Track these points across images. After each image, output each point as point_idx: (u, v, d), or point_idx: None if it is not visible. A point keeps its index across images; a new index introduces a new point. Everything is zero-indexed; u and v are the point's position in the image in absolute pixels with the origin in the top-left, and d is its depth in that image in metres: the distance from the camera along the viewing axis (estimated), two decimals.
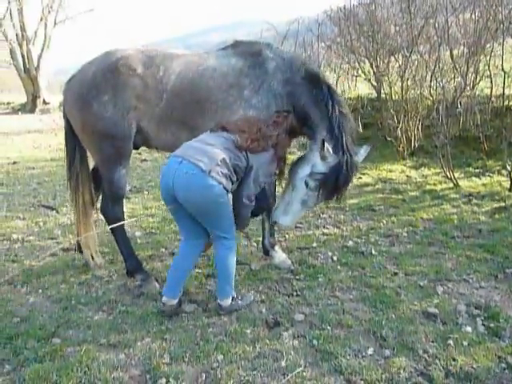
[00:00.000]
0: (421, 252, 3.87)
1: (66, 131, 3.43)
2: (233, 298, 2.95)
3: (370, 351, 2.54)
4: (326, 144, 3.04)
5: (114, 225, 3.03)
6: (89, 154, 3.46)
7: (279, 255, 3.65)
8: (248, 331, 2.72)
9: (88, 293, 3.27)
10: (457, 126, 6.87)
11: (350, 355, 2.49)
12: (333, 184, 3.13)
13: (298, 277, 3.44)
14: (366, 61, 8.33)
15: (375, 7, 8.10)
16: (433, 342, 2.61)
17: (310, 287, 3.26)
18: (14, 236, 4.46)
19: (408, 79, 7.07)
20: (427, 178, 6.24)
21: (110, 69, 3.11)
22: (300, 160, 3.31)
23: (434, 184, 5.89)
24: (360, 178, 6.39)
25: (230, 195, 2.86)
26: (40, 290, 3.32)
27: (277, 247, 3.68)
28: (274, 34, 9.64)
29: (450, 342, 2.59)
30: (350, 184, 3.31)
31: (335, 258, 3.76)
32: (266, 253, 3.67)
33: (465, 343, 2.57)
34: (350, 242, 4.09)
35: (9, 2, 15.58)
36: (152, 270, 3.59)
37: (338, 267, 3.60)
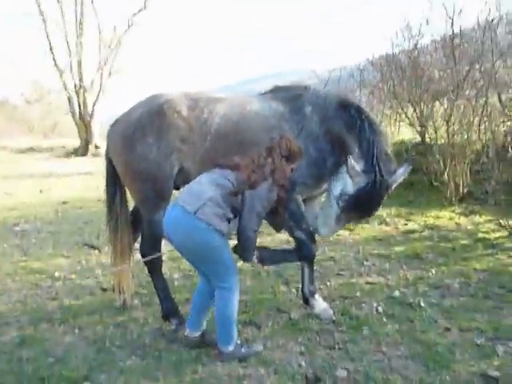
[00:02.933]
0: (476, 306, 3.54)
1: (108, 172, 3.49)
2: (236, 344, 2.82)
3: None
4: (351, 161, 3.00)
5: (146, 258, 3.09)
6: (129, 195, 3.51)
7: (320, 304, 3.45)
8: None
9: (123, 335, 3.21)
10: (509, 171, 6.52)
11: None
12: (360, 204, 3.08)
13: (340, 328, 3.22)
14: (409, 106, 8.25)
15: (418, 53, 8.12)
16: None
17: (354, 340, 3.04)
18: (57, 274, 4.55)
19: (454, 123, 6.88)
20: (478, 225, 5.86)
21: (156, 111, 3.19)
22: (336, 178, 3.28)
23: (487, 232, 5.51)
24: (406, 224, 6.13)
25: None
26: (76, 330, 3.31)
27: (317, 295, 3.50)
28: (317, 81, 9.85)
29: None
30: (380, 205, 3.22)
31: (380, 310, 3.51)
32: (306, 301, 3.49)
33: None
34: (397, 293, 3.83)
35: (69, 55, 17.04)
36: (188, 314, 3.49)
37: (384, 319, 3.34)
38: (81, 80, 17.19)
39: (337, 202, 3.15)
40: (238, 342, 2.84)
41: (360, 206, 3.11)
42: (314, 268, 4.40)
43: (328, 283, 4.11)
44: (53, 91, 19.77)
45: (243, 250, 2.79)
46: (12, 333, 3.30)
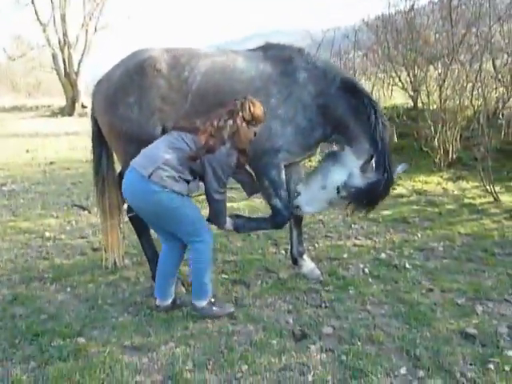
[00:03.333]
0: (458, 268, 3.67)
1: (94, 133, 3.39)
2: (209, 301, 2.87)
3: (403, 371, 2.38)
4: (370, 158, 2.97)
5: (130, 214, 3.12)
6: (115, 157, 3.44)
7: (308, 264, 3.54)
8: (274, 342, 2.62)
9: (115, 293, 3.27)
10: (498, 138, 6.57)
11: (381, 373, 2.35)
12: (366, 200, 3.07)
13: (327, 288, 3.32)
14: (403, 69, 8.14)
15: (414, 15, 7.93)
16: (471, 364, 2.43)
17: (340, 299, 3.14)
18: (47, 234, 4.56)
19: (447, 88, 6.83)
20: (465, 191, 5.96)
21: (136, 69, 3.05)
22: (334, 160, 3.17)
23: (473, 198, 5.62)
24: (394, 188, 6.18)
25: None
26: (68, 289, 3.36)
27: (305, 256, 3.58)
28: (310, 42, 9.61)
29: (491, 365, 2.40)
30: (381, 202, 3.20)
31: (367, 271, 3.61)
32: (295, 261, 3.57)
33: (507, 368, 2.38)
34: (383, 255, 3.93)
35: (52, 9, 16.26)
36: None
37: (370, 280, 3.45)
38: (65, 35, 16.51)
39: (337, 189, 3.07)
40: (212, 300, 2.90)
41: (363, 201, 3.09)
42: (303, 230, 4.47)
43: (316, 245, 4.20)
44: (36, 47, 18.97)
45: (214, 214, 2.83)
46: (4, 291, 3.34)
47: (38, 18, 16.62)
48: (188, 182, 2.66)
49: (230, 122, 2.68)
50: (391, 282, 3.41)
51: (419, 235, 4.42)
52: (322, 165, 3.28)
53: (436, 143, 6.87)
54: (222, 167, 2.65)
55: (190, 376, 2.32)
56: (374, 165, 3.00)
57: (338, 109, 3.13)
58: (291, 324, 2.83)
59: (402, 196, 5.89)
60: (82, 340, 2.63)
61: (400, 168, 3.27)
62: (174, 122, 3.00)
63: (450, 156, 6.96)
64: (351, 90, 3.16)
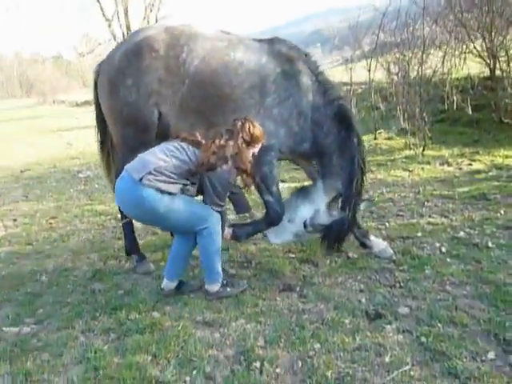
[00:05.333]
0: None
1: (97, 114, 3.38)
2: (222, 284, 2.84)
3: (491, 355, 2.18)
4: (340, 199, 3.04)
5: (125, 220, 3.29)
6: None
7: (378, 243, 3.36)
8: (346, 321, 2.52)
9: (186, 271, 3.33)
10: None
11: (466, 358, 2.17)
12: (331, 237, 3.09)
13: (401, 268, 3.14)
14: (478, 35, 7.45)
15: None
16: None
17: (416, 279, 2.95)
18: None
19: None
20: None
21: (133, 51, 2.98)
22: (303, 194, 3.22)
23: None
24: (470, 164, 5.75)
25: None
26: None
27: (373, 236, 3.39)
28: (371, 15, 9.07)
29: None
30: (346, 240, 3.23)
31: (444, 250, 3.36)
32: (362, 245, 3.38)
33: None
34: (461, 233, 3.64)
35: (116, 5, 16.94)
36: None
37: (448, 260, 3.21)
38: (128, 28, 17.16)
39: (304, 224, 3.08)
40: (224, 281, 2.87)
41: (331, 238, 3.10)
42: (372, 209, 4.30)
43: (387, 224, 3.99)
44: (103, 42, 19.94)
45: None
46: (84, 268, 3.55)
47: (103, 15, 17.42)
48: (182, 185, 2.66)
49: (231, 142, 2.65)
50: (472, 262, 3.15)
51: (502, 212, 4.04)
52: (291, 198, 3.28)
53: None
54: (222, 184, 2.67)
55: (262, 352, 2.30)
56: (339, 204, 3.07)
57: (326, 134, 3.08)
58: (364, 303, 2.71)
59: (479, 172, 5.45)
60: (156, 314, 2.71)
61: (363, 206, 3.36)
62: (171, 107, 2.96)
63: None
64: (345, 121, 3.08)
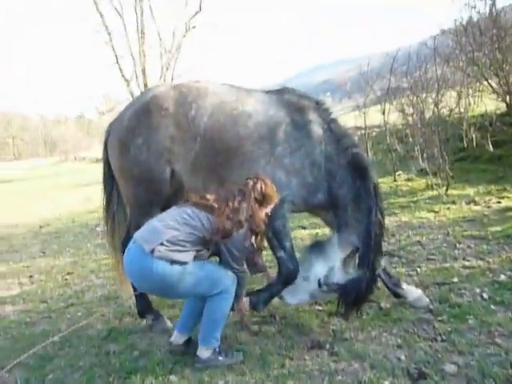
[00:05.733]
0: None
1: (105, 173, 3.31)
2: (214, 350, 2.57)
3: None
4: (356, 255, 2.79)
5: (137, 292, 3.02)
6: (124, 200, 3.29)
7: (412, 292, 3.09)
8: (386, 382, 2.24)
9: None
10: None
11: None
12: (349, 298, 2.79)
13: (439, 318, 2.86)
14: (491, 72, 7.43)
15: (497, 13, 7.27)
16: None
17: (458, 331, 2.66)
18: None
19: None
20: None
21: (142, 110, 2.95)
22: (317, 249, 2.98)
23: None
24: (499, 202, 5.48)
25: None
26: None
27: (405, 284, 3.13)
28: (381, 62, 9.24)
29: None
30: (366, 301, 2.90)
31: (485, 296, 3.07)
32: (395, 295, 3.10)
33: None
34: (502, 277, 3.35)
35: (134, 65, 17.78)
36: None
37: (492, 307, 2.92)
38: (146, 87, 17.84)
39: (319, 283, 2.84)
40: (217, 349, 2.60)
41: (348, 298, 2.81)
42: (400, 254, 4.05)
43: (418, 269, 3.73)
44: (122, 101, 20.76)
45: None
46: (99, 326, 3.36)
47: (122, 75, 18.24)
48: (196, 251, 2.51)
49: (244, 204, 2.50)
50: None
51: None
52: (306, 254, 3.06)
53: None
54: (237, 249, 2.55)
55: None
56: (357, 260, 2.82)
57: (343, 185, 2.92)
58: (404, 361, 2.43)
59: (509, 209, 5.17)
60: (174, 379, 2.48)
61: (384, 261, 3.09)
62: (184, 164, 2.89)
63: None
64: (360, 170, 2.92)
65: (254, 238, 2.63)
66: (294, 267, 2.87)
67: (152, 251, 2.36)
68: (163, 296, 2.81)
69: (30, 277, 4.94)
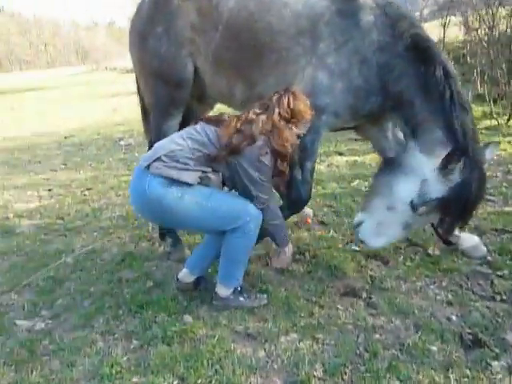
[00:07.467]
0: None
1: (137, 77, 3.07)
2: (235, 289, 2.24)
3: None
4: (453, 159, 2.13)
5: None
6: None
7: (467, 238, 2.65)
8: (434, 348, 1.89)
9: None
10: None
11: None
12: (459, 209, 2.20)
13: (499, 272, 2.44)
14: None
15: None
16: None
17: None
18: None
19: None
20: None
21: None
22: (396, 167, 2.34)
23: None
24: None
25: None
26: None
27: (457, 230, 2.63)
28: None
29: None
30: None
31: None
32: (447, 242, 2.59)
33: None
34: None
35: None
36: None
37: None
38: None
39: (413, 207, 2.24)
40: (239, 289, 2.27)
41: (454, 213, 2.23)
42: None
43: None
44: None
45: (269, 227, 2.20)
46: (114, 250, 3.14)
47: None
48: (201, 172, 2.08)
49: (263, 117, 2.06)
50: None
51: None
52: (380, 179, 2.43)
53: None
54: (254, 166, 2.04)
55: None
56: (458, 166, 2.16)
57: (402, 77, 2.29)
58: (455, 323, 2.06)
59: None
60: (188, 318, 2.21)
61: (489, 152, 2.30)
62: (206, 59, 2.53)
63: None
64: (422, 52, 2.25)
65: (279, 161, 2.09)
66: (304, 195, 2.47)
67: (148, 167, 2.04)
68: (168, 226, 2.54)
69: (49, 190, 4.77)
